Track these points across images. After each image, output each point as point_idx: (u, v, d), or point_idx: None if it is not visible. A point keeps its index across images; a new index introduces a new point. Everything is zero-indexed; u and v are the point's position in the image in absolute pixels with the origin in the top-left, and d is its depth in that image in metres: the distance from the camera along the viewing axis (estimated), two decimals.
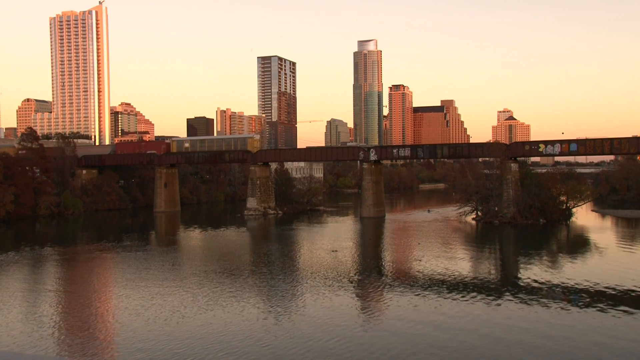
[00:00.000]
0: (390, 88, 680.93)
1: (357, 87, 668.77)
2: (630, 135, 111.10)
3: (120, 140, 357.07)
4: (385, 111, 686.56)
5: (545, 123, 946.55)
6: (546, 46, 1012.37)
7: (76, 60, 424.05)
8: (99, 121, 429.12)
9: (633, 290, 48.65)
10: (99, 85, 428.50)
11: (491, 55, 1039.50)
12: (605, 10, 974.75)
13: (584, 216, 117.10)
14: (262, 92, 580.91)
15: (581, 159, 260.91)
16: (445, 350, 33.48)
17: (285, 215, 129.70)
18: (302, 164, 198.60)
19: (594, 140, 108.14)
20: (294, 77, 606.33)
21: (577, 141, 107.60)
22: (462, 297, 46.33)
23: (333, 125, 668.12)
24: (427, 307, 43.34)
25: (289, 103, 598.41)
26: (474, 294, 47.49)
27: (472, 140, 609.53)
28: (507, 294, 47.68)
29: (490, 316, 40.73)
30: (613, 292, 47.92)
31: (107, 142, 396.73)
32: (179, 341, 35.20)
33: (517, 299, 45.78)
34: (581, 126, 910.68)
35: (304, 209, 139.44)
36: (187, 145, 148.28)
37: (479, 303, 44.36)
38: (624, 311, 41.67)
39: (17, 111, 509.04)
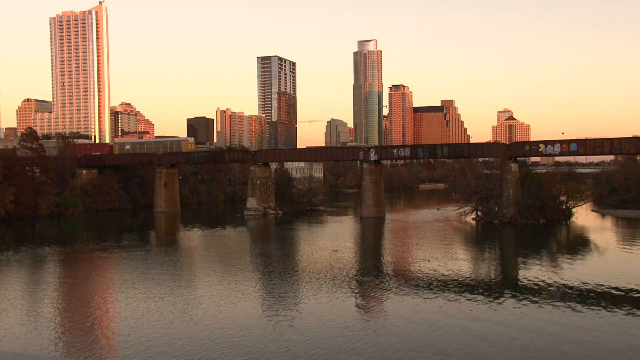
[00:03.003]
0: (390, 88, 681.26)
1: (357, 87, 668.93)
2: (630, 135, 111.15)
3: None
4: (385, 111, 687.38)
5: (545, 123, 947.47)
6: (546, 46, 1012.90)
7: (76, 60, 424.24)
8: (99, 121, 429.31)
9: (634, 291, 48.61)
10: (99, 85, 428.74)
11: (491, 56, 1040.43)
12: (605, 10, 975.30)
13: (584, 216, 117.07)
14: (262, 92, 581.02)
15: (581, 159, 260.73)
16: (449, 350, 33.44)
17: (285, 215, 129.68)
18: (302, 164, 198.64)
19: (594, 140, 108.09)
20: (294, 77, 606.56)
21: (577, 141, 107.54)
22: (463, 297, 46.28)
23: (333, 125, 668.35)
24: (429, 308, 43.22)
25: (289, 103, 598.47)
26: (475, 294, 47.47)
27: (472, 140, 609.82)
28: (508, 294, 47.64)
29: (491, 317, 40.68)
30: (613, 292, 47.90)
31: (107, 142, 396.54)
32: (184, 342, 35.04)
33: (518, 299, 45.74)
34: (581, 126, 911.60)
35: (304, 209, 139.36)
36: (127, 147, 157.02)
37: (480, 303, 44.33)
38: (624, 311, 41.65)
39: (17, 111, 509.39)
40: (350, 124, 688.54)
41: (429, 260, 64.15)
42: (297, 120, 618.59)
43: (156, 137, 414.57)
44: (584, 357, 32.32)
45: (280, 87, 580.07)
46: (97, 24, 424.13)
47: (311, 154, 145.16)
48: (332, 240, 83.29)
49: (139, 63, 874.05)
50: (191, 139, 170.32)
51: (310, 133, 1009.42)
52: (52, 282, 56.48)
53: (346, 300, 46.14)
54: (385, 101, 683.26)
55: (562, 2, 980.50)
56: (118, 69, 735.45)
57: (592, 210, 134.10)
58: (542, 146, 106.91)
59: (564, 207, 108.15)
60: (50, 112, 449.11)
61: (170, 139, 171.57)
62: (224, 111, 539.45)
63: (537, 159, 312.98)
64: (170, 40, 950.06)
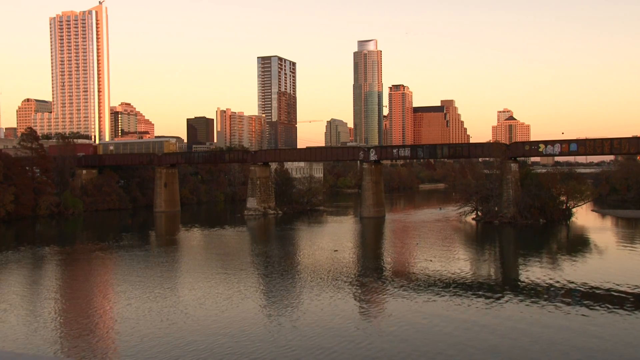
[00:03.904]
0: (390, 88, 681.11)
1: (357, 87, 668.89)
2: (630, 135, 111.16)
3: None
4: (385, 111, 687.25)
5: (545, 123, 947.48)
6: (546, 46, 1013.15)
7: (76, 60, 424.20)
8: (99, 121, 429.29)
9: (633, 291, 48.60)
10: (99, 85, 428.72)
11: (491, 56, 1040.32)
12: (604, 10, 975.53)
13: (584, 216, 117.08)
14: (262, 92, 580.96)
15: (581, 159, 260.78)
16: (455, 352, 33.40)
17: (285, 215, 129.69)
18: (302, 164, 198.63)
19: (594, 140, 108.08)
20: (294, 77, 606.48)
21: (577, 141, 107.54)
22: (464, 297, 46.25)
23: (333, 125, 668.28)
24: (437, 307, 43.05)
25: (289, 103, 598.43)
26: (476, 294, 47.45)
27: (472, 140, 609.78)
28: (508, 294, 47.60)
29: (493, 317, 40.62)
30: (613, 292, 47.87)
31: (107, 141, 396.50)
32: (185, 342, 35.00)
33: (518, 299, 45.71)
34: (581, 126, 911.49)
35: (304, 209, 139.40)
36: (111, 148, 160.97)
37: (481, 304, 44.30)
38: (624, 311, 41.63)
39: (17, 111, 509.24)
40: (350, 124, 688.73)
41: (431, 261, 64.10)
42: (297, 120, 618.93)
43: (156, 136, 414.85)
44: (582, 355, 32.29)
45: (280, 87, 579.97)
46: (97, 24, 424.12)
47: (311, 154, 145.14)
48: (332, 240, 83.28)
49: (139, 63, 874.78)
50: (173, 140, 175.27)
51: (310, 133, 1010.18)
52: (52, 282, 56.47)
53: (349, 300, 46.09)
54: (385, 101, 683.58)
55: (562, 2, 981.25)
56: (118, 69, 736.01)
57: (592, 210, 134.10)
58: (542, 146, 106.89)
59: (564, 207, 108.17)
60: (50, 112, 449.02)
61: (152, 140, 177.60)
62: (224, 111, 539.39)
63: (537, 159, 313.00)
64: (170, 40, 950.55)
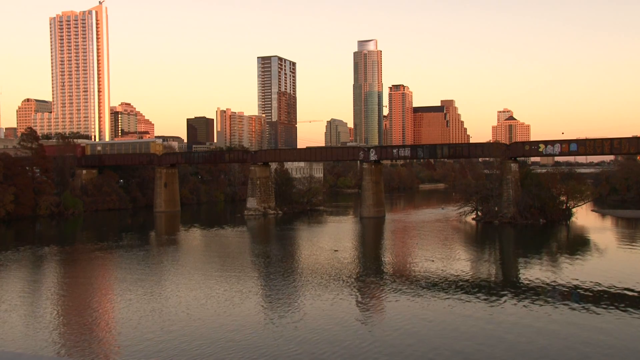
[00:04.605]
0: (390, 88, 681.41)
1: (357, 87, 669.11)
2: (630, 135, 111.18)
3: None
4: (385, 111, 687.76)
5: (545, 123, 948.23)
6: (546, 46, 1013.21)
7: (76, 60, 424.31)
8: (99, 121, 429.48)
9: (633, 290, 48.58)
10: (99, 85, 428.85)
11: (491, 56, 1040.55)
12: (605, 10, 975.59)
13: (584, 216, 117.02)
14: (262, 92, 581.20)
15: (581, 159, 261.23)
16: (469, 350, 33.29)
17: (285, 215, 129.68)
18: (302, 164, 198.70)
19: (594, 140, 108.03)
20: (294, 77, 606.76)
21: (577, 141, 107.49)
22: (472, 296, 46.22)
23: (333, 125, 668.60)
24: (438, 308, 42.99)
25: (289, 103, 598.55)
26: (482, 293, 47.38)
27: (472, 140, 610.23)
28: (509, 294, 47.58)
29: (494, 317, 40.58)
30: (613, 292, 47.86)
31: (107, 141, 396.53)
32: (186, 343, 34.95)
33: (519, 299, 45.68)
34: (581, 126, 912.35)
35: (304, 209, 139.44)
36: (99, 148, 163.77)
37: (482, 304, 44.25)
38: (624, 311, 41.61)
39: (17, 111, 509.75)
40: (350, 124, 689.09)
41: (432, 261, 64.02)
42: (297, 120, 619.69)
43: (156, 136, 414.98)
44: (582, 355, 32.28)
45: (280, 87, 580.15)
46: (97, 24, 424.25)
47: (311, 154, 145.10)
48: (332, 240, 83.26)
49: (139, 63, 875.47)
50: (159, 141, 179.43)
51: (310, 133, 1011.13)
52: (53, 282, 56.43)
53: (351, 300, 46.04)
54: (385, 101, 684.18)
55: (562, 2, 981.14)
56: (118, 69, 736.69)
57: (592, 210, 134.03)
58: (542, 146, 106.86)
59: (564, 207, 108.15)
60: (50, 112, 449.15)
61: (138, 141, 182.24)
62: (224, 111, 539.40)
63: (537, 159, 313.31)
64: (170, 40, 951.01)
